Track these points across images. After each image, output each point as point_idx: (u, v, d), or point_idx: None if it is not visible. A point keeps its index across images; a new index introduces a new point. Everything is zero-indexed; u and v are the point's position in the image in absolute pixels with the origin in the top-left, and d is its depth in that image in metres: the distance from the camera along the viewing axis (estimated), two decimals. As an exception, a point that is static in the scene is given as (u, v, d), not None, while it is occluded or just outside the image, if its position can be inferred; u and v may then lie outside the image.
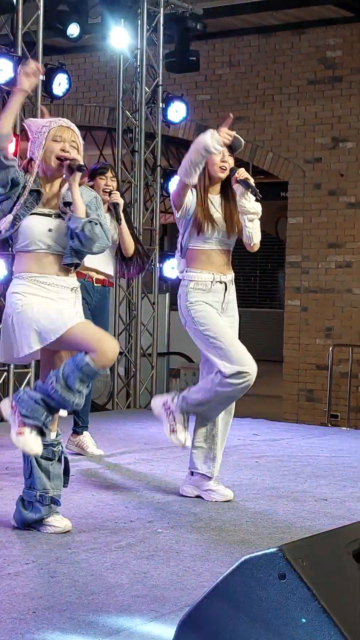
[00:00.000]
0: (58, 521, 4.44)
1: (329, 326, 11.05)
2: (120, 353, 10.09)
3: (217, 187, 5.20)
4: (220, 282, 5.15)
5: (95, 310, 6.33)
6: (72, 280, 4.44)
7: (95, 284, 6.38)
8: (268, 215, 17.11)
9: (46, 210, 4.39)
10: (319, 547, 2.56)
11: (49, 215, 4.38)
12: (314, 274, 11.16)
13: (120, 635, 3.17)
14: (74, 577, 3.77)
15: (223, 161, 5.13)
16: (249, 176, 5.15)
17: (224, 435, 5.29)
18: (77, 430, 6.58)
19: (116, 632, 3.19)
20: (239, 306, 5.32)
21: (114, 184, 6.37)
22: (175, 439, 5.18)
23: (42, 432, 4.30)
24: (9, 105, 4.31)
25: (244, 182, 5.11)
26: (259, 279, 23.02)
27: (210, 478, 5.23)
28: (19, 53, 8.22)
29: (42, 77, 8.44)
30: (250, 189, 5.10)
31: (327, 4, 10.48)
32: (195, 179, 5.02)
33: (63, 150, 4.37)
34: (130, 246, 6.39)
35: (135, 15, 9.77)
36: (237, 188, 5.15)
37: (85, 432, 6.59)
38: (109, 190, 6.30)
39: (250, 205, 5.14)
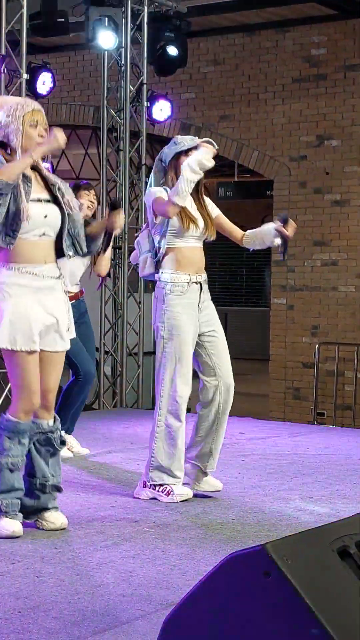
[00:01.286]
0: (55, 517, 4.44)
1: (315, 324, 11.05)
2: (107, 352, 10.07)
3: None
4: (196, 283, 5.19)
5: (78, 320, 6.41)
6: (56, 268, 4.42)
7: (70, 302, 6.46)
8: (254, 214, 17.14)
9: (39, 196, 4.33)
10: (304, 545, 2.56)
11: (41, 201, 4.33)
12: (299, 272, 11.16)
13: (106, 634, 3.17)
14: (59, 576, 3.77)
15: None
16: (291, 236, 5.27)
17: (221, 433, 5.29)
18: None
19: (102, 631, 3.19)
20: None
21: (95, 203, 6.54)
22: (178, 497, 5.09)
23: (10, 508, 4.32)
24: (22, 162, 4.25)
25: (285, 243, 5.22)
26: (245, 278, 23.02)
27: (205, 474, 5.25)
28: (3, 52, 8.21)
29: (25, 77, 8.46)
30: (285, 251, 5.22)
31: (311, 2, 10.47)
32: (187, 200, 5.09)
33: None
34: (106, 268, 6.67)
35: (120, 14, 9.74)
36: (276, 237, 5.23)
37: (67, 435, 6.61)
38: (92, 209, 6.49)
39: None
